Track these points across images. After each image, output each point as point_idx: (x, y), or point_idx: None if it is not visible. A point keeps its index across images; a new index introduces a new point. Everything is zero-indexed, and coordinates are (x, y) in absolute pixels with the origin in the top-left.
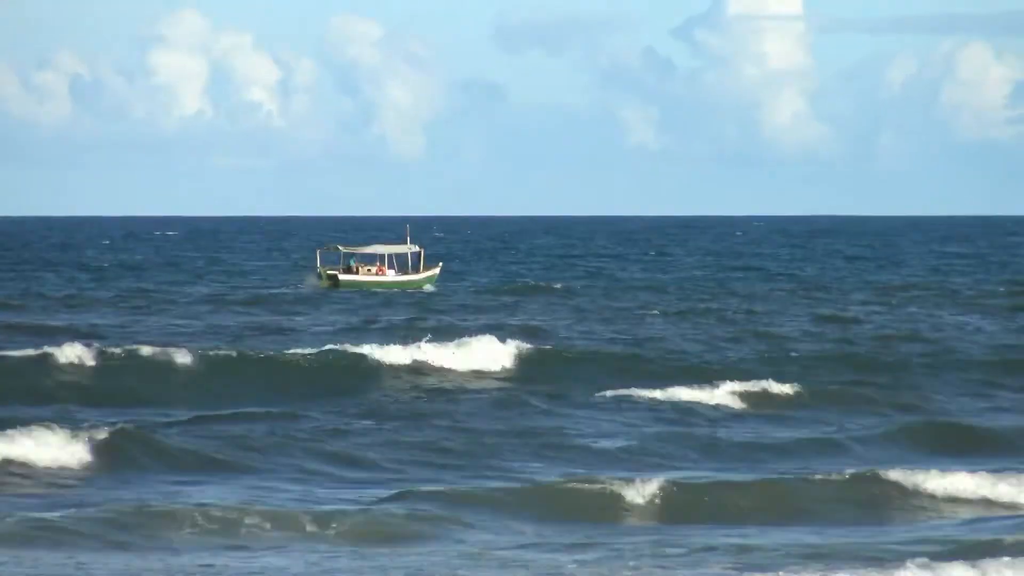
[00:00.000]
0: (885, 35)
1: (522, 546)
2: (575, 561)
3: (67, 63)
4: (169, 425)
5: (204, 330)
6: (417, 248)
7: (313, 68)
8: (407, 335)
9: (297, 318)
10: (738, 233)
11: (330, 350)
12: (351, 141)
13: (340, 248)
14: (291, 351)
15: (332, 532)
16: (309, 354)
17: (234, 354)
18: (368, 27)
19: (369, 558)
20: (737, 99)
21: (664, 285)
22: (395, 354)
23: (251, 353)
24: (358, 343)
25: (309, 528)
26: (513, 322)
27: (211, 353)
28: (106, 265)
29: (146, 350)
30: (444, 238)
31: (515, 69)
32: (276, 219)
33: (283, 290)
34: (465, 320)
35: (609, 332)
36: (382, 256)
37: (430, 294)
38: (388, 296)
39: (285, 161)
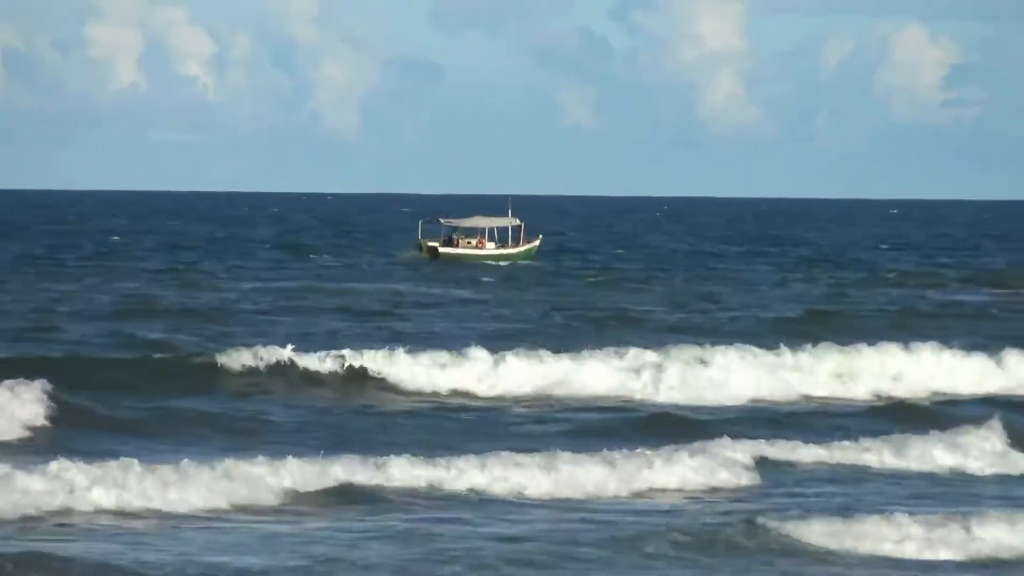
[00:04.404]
0: (821, 16)
1: None
2: None
3: (1, 35)
4: None
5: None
6: (518, 221)
7: (248, 43)
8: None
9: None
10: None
11: None
12: (286, 117)
13: (441, 221)
14: None
15: None
16: None
17: None
18: (304, 4)
19: None
20: (674, 80)
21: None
22: None
23: None
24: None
25: None
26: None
27: None
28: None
29: None
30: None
31: (452, 49)
32: (224, 194)
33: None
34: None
35: None
36: (482, 229)
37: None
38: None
39: (221, 136)
